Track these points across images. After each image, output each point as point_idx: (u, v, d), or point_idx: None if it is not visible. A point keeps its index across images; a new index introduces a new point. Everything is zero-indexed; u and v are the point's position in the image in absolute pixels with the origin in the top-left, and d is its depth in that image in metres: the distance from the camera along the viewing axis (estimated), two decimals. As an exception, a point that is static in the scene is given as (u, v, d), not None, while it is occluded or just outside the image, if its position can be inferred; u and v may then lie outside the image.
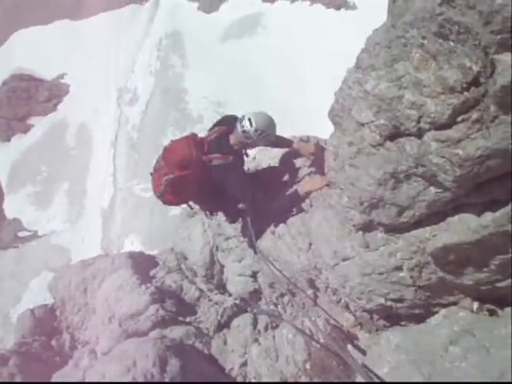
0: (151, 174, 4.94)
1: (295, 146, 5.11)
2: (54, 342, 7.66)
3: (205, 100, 26.01)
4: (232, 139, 4.73)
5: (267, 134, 4.62)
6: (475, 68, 1.96)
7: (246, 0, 29.66)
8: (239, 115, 4.79)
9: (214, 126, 5.02)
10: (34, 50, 33.38)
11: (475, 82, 1.99)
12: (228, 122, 4.89)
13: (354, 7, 25.66)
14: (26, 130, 31.13)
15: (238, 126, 4.58)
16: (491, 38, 1.80)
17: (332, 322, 3.98)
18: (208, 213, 5.33)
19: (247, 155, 5.14)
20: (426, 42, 2.21)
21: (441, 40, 2.11)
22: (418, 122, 2.28)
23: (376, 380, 2.91)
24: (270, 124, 4.69)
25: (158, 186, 4.77)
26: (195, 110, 26.00)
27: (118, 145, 27.40)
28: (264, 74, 24.44)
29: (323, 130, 5.02)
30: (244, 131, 4.53)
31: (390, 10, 2.69)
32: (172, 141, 4.91)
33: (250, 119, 4.53)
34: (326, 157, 3.63)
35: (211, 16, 30.40)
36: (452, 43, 2.05)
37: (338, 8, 26.15)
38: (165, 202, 5.00)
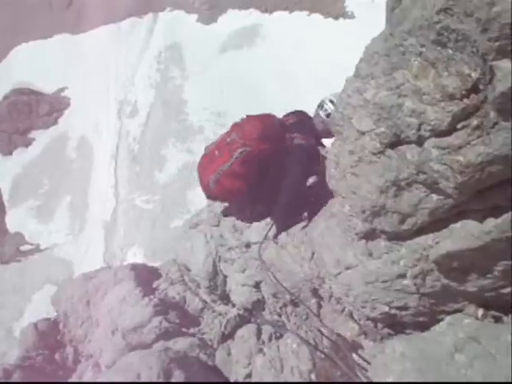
0: (202, 158, 4.53)
1: None
2: (57, 356, 7.65)
3: (205, 111, 26.11)
4: (316, 124, 4.37)
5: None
6: (474, 75, 1.97)
7: (244, 11, 29.85)
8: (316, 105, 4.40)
9: (285, 116, 4.65)
10: (35, 64, 33.58)
11: (474, 89, 2.00)
12: (300, 112, 4.55)
13: (352, 16, 25.80)
14: (28, 143, 31.24)
15: (321, 112, 4.24)
16: (489, 45, 1.81)
17: (336, 331, 3.96)
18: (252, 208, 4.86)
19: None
20: (424, 49, 2.22)
21: (439, 48, 2.12)
22: (419, 129, 2.29)
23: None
24: None
25: (218, 166, 4.18)
26: (196, 121, 26.09)
27: (119, 157, 27.47)
28: (264, 83, 24.54)
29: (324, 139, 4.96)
30: (329, 115, 4.11)
31: (388, 19, 2.71)
32: (246, 117, 4.42)
33: (332, 101, 4.14)
34: (327, 165, 3.64)
35: (210, 28, 30.57)
36: (450, 51, 2.07)
37: (336, 17, 26.29)
38: (215, 191, 4.46)
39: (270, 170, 4.19)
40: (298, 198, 4.25)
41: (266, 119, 4.25)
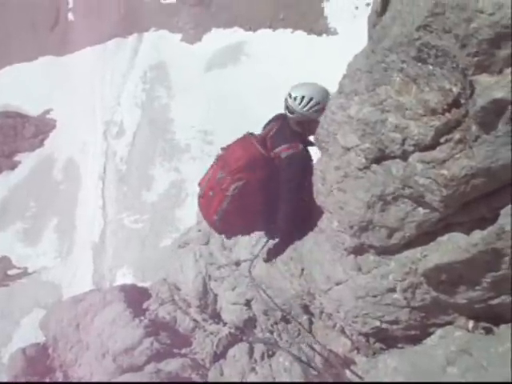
0: (199, 199, 4.29)
1: None
2: (47, 381, 7.52)
3: (192, 129, 26.16)
4: (291, 125, 4.16)
5: (314, 101, 3.95)
6: (455, 90, 2.01)
7: (228, 30, 30.10)
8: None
9: (269, 122, 4.50)
10: (20, 86, 33.48)
11: (456, 104, 2.03)
12: (280, 115, 4.36)
13: (334, 33, 26.11)
14: (14, 166, 31.02)
15: (287, 112, 4.09)
16: (468, 61, 1.84)
17: (328, 347, 3.94)
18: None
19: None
20: (405, 66, 2.25)
21: (420, 64, 2.16)
22: (403, 144, 2.31)
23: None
24: (315, 89, 4.03)
25: (217, 206, 4.04)
26: (183, 139, 26.12)
27: (107, 178, 27.36)
28: (249, 100, 24.66)
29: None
30: (287, 107, 4.05)
31: (370, 36, 2.75)
32: (225, 147, 4.24)
33: (289, 93, 4.02)
34: (314, 182, 3.65)
35: (195, 46, 30.78)
36: (431, 66, 2.10)
37: (319, 34, 26.60)
38: (224, 228, 4.35)
39: (271, 192, 4.05)
40: (302, 208, 4.06)
41: (247, 146, 4.05)
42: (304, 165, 3.95)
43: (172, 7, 32.51)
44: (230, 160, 4.03)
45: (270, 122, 4.47)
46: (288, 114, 4.10)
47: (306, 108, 3.97)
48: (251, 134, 4.26)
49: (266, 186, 4.01)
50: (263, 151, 3.99)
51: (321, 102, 3.92)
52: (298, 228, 4.16)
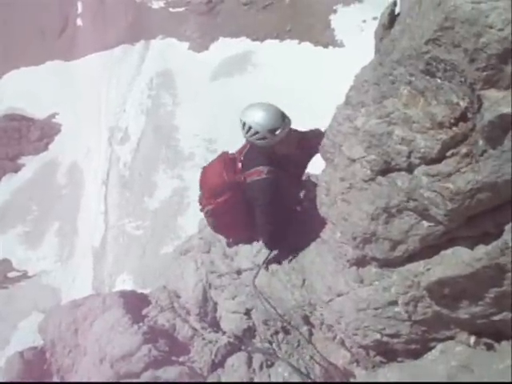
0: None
1: None
2: (46, 382, 7.49)
3: (196, 137, 26.20)
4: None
5: (252, 130, 3.78)
6: (462, 104, 2.01)
7: (235, 39, 30.23)
8: None
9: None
10: (26, 90, 33.63)
11: (463, 118, 2.04)
12: None
13: (341, 45, 26.21)
14: (17, 169, 31.08)
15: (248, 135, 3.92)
16: (477, 75, 1.85)
17: (328, 358, 3.92)
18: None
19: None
20: (413, 79, 2.26)
21: (428, 77, 2.16)
22: (409, 157, 2.32)
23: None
24: (258, 116, 3.78)
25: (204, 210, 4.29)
26: (187, 147, 26.15)
27: (110, 183, 27.38)
28: (254, 111, 24.65)
29: (314, 165, 4.87)
30: (252, 134, 3.86)
31: (377, 49, 2.76)
32: (207, 165, 4.39)
33: (241, 121, 3.88)
34: (318, 192, 3.65)
35: (202, 55, 30.90)
36: (439, 80, 2.11)
37: (325, 46, 26.70)
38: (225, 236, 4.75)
39: (246, 211, 4.15)
40: (280, 223, 4.12)
41: (216, 171, 4.12)
42: (269, 188, 3.91)
43: (180, 15, 32.70)
44: (203, 182, 4.27)
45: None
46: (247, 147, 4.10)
47: (248, 136, 3.88)
48: (225, 153, 4.32)
49: (239, 205, 4.11)
50: (228, 176, 4.02)
51: (260, 132, 3.78)
52: (280, 242, 4.25)
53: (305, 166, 4.63)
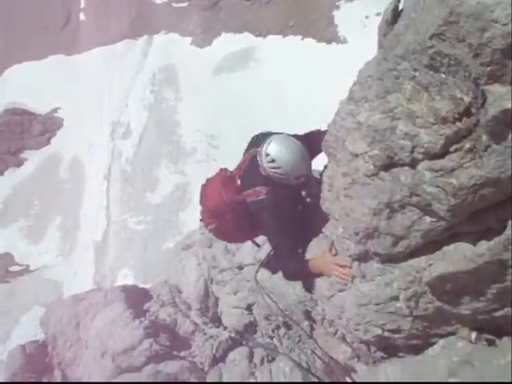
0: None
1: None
2: (45, 380, 7.52)
3: (198, 133, 26.18)
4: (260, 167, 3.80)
5: (278, 168, 3.57)
6: (466, 99, 2.00)
7: (238, 35, 30.16)
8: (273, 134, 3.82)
9: (249, 145, 4.25)
10: (28, 84, 33.62)
11: (467, 113, 2.03)
12: (263, 141, 3.83)
13: (344, 41, 26.13)
14: (19, 163, 31.11)
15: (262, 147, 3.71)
16: (481, 70, 1.84)
17: (329, 354, 3.93)
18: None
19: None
20: (417, 74, 2.25)
21: (432, 72, 2.16)
22: (412, 152, 2.31)
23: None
24: (293, 159, 3.56)
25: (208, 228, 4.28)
26: (189, 142, 26.14)
27: (112, 178, 27.40)
28: (257, 106, 24.69)
29: (316, 161, 4.82)
30: (261, 154, 3.68)
31: (381, 44, 2.75)
32: (206, 182, 4.25)
33: (270, 141, 3.60)
34: (321, 188, 3.64)
35: (204, 50, 30.83)
36: (443, 75, 2.10)
37: (329, 42, 26.63)
38: None
39: (249, 225, 4.05)
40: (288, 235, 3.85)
41: (214, 191, 4.02)
42: (271, 209, 3.76)
43: (183, 11, 32.61)
44: (203, 202, 4.17)
45: (248, 147, 4.27)
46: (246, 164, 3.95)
47: (267, 166, 3.64)
48: (224, 170, 4.20)
49: (241, 221, 4.02)
50: (227, 197, 3.92)
51: (284, 174, 3.62)
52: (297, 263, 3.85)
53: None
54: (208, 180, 4.25)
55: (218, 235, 4.34)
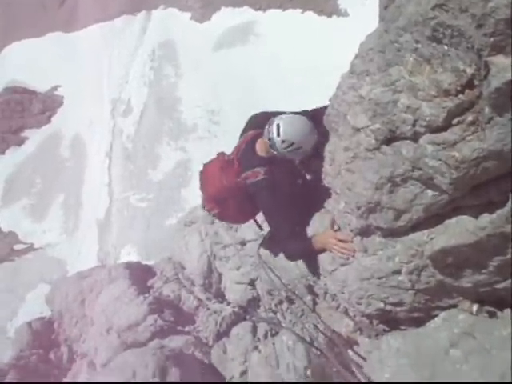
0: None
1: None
2: (52, 355, 7.65)
3: (199, 109, 26.07)
4: (258, 146, 3.89)
5: (298, 148, 3.64)
6: (469, 71, 1.98)
7: (238, 9, 29.80)
8: (275, 115, 3.81)
9: (246, 127, 4.25)
10: (28, 62, 33.41)
11: (469, 85, 2.01)
12: (260, 122, 3.93)
13: (345, 14, 25.82)
14: (21, 142, 31.10)
15: (266, 130, 3.73)
16: (484, 41, 1.81)
17: (331, 327, 3.97)
18: None
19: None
20: (419, 46, 2.22)
21: (434, 44, 2.12)
22: (414, 125, 2.29)
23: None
24: (305, 135, 3.64)
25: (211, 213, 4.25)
26: (190, 119, 26.05)
27: (113, 155, 27.40)
28: (257, 81, 24.53)
29: None
30: (269, 139, 3.68)
31: (382, 16, 2.71)
32: (203, 167, 4.23)
33: (278, 125, 3.61)
34: (322, 163, 3.63)
35: (204, 25, 30.51)
36: (446, 47, 2.07)
37: (329, 15, 26.32)
38: None
39: (251, 206, 4.04)
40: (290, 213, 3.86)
41: (214, 177, 4.01)
42: (270, 190, 3.76)
43: (181, -15, 32.19)
44: (203, 188, 4.15)
45: (245, 128, 4.26)
46: (266, 140, 3.77)
47: (288, 150, 3.65)
48: (222, 155, 4.18)
49: (243, 204, 4.02)
50: (227, 181, 3.91)
51: (303, 147, 3.65)
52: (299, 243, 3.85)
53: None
54: (206, 165, 4.22)
55: (222, 219, 4.34)
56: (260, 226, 4.57)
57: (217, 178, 3.96)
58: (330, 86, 4.09)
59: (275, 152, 3.69)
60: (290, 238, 3.74)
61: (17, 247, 26.15)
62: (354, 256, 3.28)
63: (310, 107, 4.30)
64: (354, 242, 3.27)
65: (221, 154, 4.19)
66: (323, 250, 3.62)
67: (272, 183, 3.75)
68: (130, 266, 7.87)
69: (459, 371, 2.50)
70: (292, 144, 3.60)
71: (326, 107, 3.90)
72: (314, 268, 3.88)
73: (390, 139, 2.54)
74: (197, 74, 27.56)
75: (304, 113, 4.04)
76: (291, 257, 3.91)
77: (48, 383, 6.49)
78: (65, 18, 34.56)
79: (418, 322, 3.09)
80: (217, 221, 6.28)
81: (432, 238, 2.57)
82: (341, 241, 3.37)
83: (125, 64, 31.40)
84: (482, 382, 2.40)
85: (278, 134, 3.59)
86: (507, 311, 2.59)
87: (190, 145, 24.82)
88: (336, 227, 3.50)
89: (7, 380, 6.87)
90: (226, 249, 6.04)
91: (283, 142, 3.58)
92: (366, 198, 2.83)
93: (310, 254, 3.80)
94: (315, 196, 3.95)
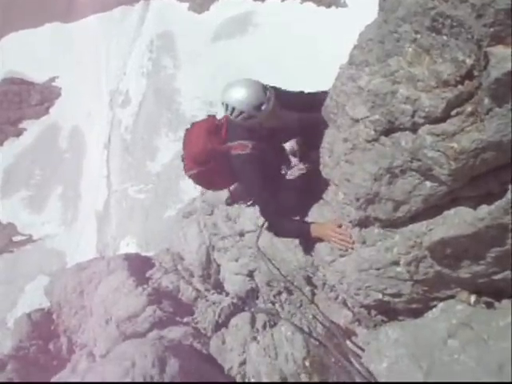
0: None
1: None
2: (51, 346, 7.66)
3: (197, 100, 26.03)
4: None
5: (241, 112, 3.54)
6: (469, 61, 1.97)
7: (236, -1, 29.68)
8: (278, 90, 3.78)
9: None
10: (25, 53, 33.29)
11: (469, 76, 2.00)
12: None
13: (344, 5, 25.73)
14: (19, 133, 31.05)
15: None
16: (484, 31, 1.81)
17: (330, 318, 3.98)
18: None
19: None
20: (419, 36, 2.21)
21: (434, 34, 2.11)
22: (413, 116, 2.29)
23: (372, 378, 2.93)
24: (239, 95, 3.53)
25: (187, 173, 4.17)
26: (188, 110, 26.02)
27: (112, 147, 27.39)
28: (256, 72, 24.41)
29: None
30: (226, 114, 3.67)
31: (381, 7, 2.69)
32: (191, 126, 4.15)
33: (222, 98, 3.59)
34: (321, 154, 3.63)
35: (202, 16, 30.40)
36: (445, 37, 2.06)
37: (328, 6, 26.24)
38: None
39: (231, 176, 4.03)
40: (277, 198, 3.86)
41: (198, 137, 3.94)
42: (254, 165, 3.72)
43: (180, -25, 32.00)
44: (186, 146, 4.09)
45: None
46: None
47: (233, 117, 3.62)
48: (213, 117, 4.14)
49: (222, 172, 3.98)
50: (211, 146, 3.86)
51: (245, 111, 3.55)
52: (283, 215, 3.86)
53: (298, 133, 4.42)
54: (194, 124, 4.17)
55: (197, 181, 4.25)
56: (234, 197, 4.63)
57: (201, 140, 3.91)
58: (328, 76, 4.08)
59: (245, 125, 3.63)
60: (277, 215, 3.75)
61: (16, 239, 26.18)
62: (352, 248, 3.28)
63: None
64: (352, 234, 3.27)
65: (211, 117, 4.16)
66: (319, 240, 3.62)
67: (257, 159, 3.71)
68: (128, 257, 7.87)
69: (457, 361, 2.51)
70: (233, 109, 3.55)
71: (323, 92, 3.90)
72: (309, 252, 3.90)
73: (389, 130, 2.54)
74: (195, 64, 27.51)
75: (299, 94, 4.07)
76: (282, 235, 3.97)
77: (47, 383, 6.50)
78: (63, 8, 34.39)
79: (416, 313, 3.10)
80: (215, 212, 6.28)
81: (431, 229, 2.57)
82: (339, 233, 3.36)
83: (123, 55, 31.32)
84: (481, 382, 2.41)
85: (223, 103, 3.59)
86: (505, 302, 2.60)
87: (188, 136, 24.76)
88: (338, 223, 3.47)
89: (7, 371, 6.90)
90: (224, 240, 6.04)
91: (222, 104, 3.59)
92: (364, 189, 2.83)
93: (304, 239, 3.83)
94: (311, 186, 3.95)
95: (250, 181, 3.80)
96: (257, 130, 3.74)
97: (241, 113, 3.55)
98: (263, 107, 3.56)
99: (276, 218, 3.81)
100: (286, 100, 3.86)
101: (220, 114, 4.14)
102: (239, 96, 3.53)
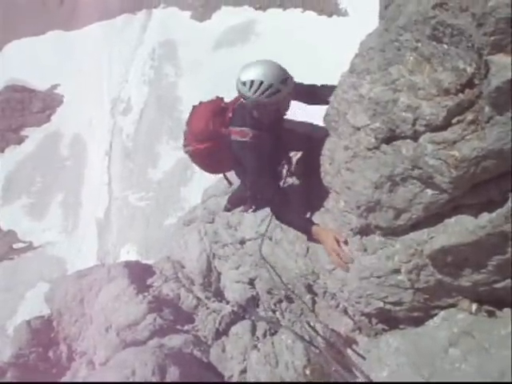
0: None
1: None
2: (51, 354, 7.64)
3: (199, 108, 26.04)
4: (249, 109, 3.74)
5: (265, 85, 3.45)
6: (469, 70, 1.98)
7: (238, 8, 29.81)
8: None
9: None
10: (27, 60, 33.43)
11: (469, 84, 2.01)
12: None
13: (345, 14, 25.84)
14: (20, 140, 31.12)
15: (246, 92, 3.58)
16: (484, 40, 1.81)
17: (331, 326, 3.97)
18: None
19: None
20: (419, 45, 2.22)
21: (434, 43, 2.13)
22: (414, 124, 2.29)
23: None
24: (265, 69, 3.48)
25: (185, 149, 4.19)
26: (189, 118, 26.03)
27: (113, 154, 27.42)
28: (257, 81, 24.50)
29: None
30: (239, 91, 3.61)
31: (382, 15, 2.71)
32: (198, 104, 4.20)
33: (238, 77, 3.55)
34: (322, 162, 3.63)
35: (204, 24, 30.55)
36: (446, 46, 2.07)
37: (329, 15, 26.36)
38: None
39: (228, 160, 4.07)
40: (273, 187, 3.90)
41: (202, 116, 3.98)
42: (254, 153, 3.74)
43: (182, -16, 32.18)
44: (189, 122, 4.11)
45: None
46: (242, 100, 3.74)
47: (258, 94, 3.51)
48: (221, 99, 4.16)
49: (219, 153, 4.00)
50: (213, 127, 3.89)
51: (274, 84, 3.48)
52: (278, 203, 3.90)
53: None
54: (201, 103, 4.21)
55: (193, 160, 4.25)
56: (229, 182, 4.58)
57: (204, 119, 3.94)
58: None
59: (248, 101, 3.59)
60: (279, 197, 3.80)
61: (16, 246, 26.15)
62: (346, 268, 3.28)
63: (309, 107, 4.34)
64: (352, 244, 3.26)
65: (219, 99, 4.18)
66: (317, 241, 3.62)
67: (255, 148, 3.73)
68: (129, 264, 7.85)
69: (458, 370, 2.50)
70: (261, 84, 3.46)
71: (323, 86, 3.93)
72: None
73: (390, 138, 2.54)
74: (197, 73, 27.60)
75: (299, 84, 4.06)
76: (282, 220, 3.97)
77: (48, 383, 6.49)
78: (65, 16, 34.58)
79: (417, 322, 3.09)
80: (216, 220, 6.28)
81: (431, 237, 2.57)
82: (337, 254, 3.36)
83: (125, 63, 31.43)
84: (482, 383, 2.40)
85: (239, 80, 3.53)
86: (506, 310, 2.59)
87: (189, 144, 24.80)
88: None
89: (7, 378, 6.88)
90: (225, 248, 6.04)
91: (244, 84, 3.50)
92: (365, 197, 2.84)
93: (302, 233, 3.84)
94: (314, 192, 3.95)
95: (250, 164, 3.80)
96: (264, 118, 3.75)
97: (269, 86, 3.49)
98: (288, 81, 3.57)
99: (278, 202, 3.83)
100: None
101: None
102: (267, 70, 3.49)
